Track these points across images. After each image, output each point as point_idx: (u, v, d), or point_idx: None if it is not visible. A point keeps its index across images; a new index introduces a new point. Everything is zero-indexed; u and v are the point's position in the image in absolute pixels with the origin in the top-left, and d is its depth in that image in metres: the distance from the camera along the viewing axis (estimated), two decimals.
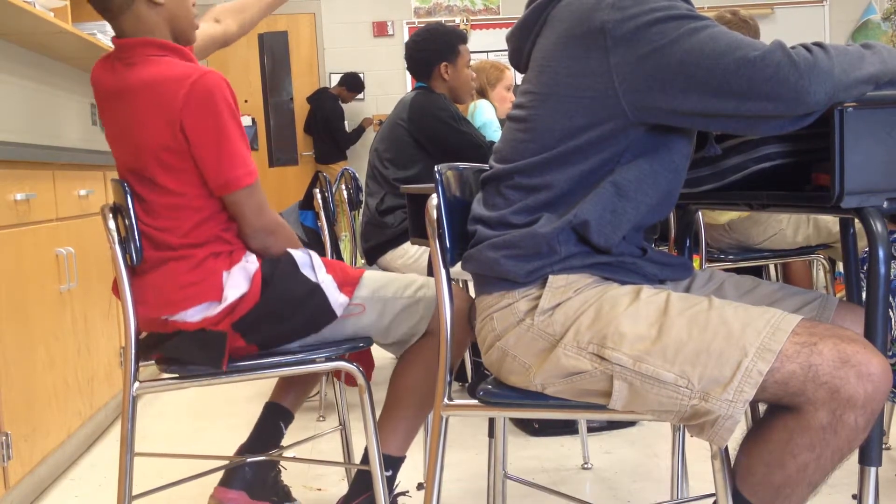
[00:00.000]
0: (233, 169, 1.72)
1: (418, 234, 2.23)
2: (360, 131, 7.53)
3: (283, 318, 1.78)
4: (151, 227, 1.76)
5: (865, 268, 1.32)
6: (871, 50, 1.28)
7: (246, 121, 7.78)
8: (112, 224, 1.75)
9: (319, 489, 2.50)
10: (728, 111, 1.26)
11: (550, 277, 1.38)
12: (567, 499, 2.15)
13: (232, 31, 2.21)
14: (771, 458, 1.26)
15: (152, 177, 1.74)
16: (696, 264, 2.66)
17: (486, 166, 1.56)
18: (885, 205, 1.29)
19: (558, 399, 1.38)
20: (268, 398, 2.19)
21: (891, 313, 1.93)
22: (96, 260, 3.08)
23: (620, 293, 1.36)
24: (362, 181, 3.78)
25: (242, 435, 2.16)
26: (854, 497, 1.96)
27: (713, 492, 1.36)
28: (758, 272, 3.47)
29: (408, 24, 7.73)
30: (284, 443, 2.15)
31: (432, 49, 3.23)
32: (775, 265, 3.51)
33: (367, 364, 1.99)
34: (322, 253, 3.09)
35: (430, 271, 2.50)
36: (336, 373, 2.08)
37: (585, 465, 2.58)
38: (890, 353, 1.32)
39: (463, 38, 3.29)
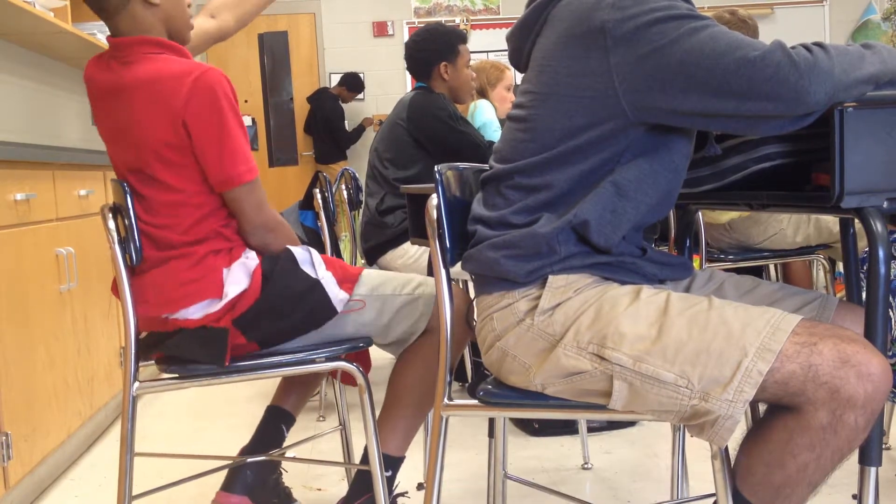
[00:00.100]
0: (234, 165, 1.73)
1: (418, 234, 2.23)
2: (360, 131, 7.53)
3: (284, 315, 1.78)
4: (151, 226, 1.76)
5: (865, 268, 1.32)
6: (871, 50, 1.28)
7: (246, 121, 7.78)
8: (112, 224, 1.75)
9: (319, 489, 2.50)
10: (728, 111, 1.26)
11: (550, 277, 1.38)
12: (567, 499, 2.15)
13: (229, 27, 2.21)
14: (771, 458, 1.26)
15: (152, 173, 1.74)
16: (696, 264, 2.66)
17: (485, 166, 1.56)
18: (885, 205, 1.29)
19: (558, 399, 1.38)
20: (267, 398, 2.19)
21: (891, 313, 1.93)
22: (96, 260, 3.08)
23: (620, 293, 1.36)
24: (362, 181, 3.78)
25: (243, 435, 2.16)
26: (854, 497, 1.96)
27: (713, 492, 1.36)
28: (758, 272, 3.47)
29: (408, 24, 7.73)
30: (285, 444, 2.15)
31: (432, 49, 3.23)
32: (775, 265, 3.51)
33: (364, 364, 1.99)
34: (322, 253, 3.10)
35: (430, 271, 2.50)
36: (333, 372, 2.08)
37: (585, 465, 2.58)
38: (890, 353, 1.32)
39: (463, 38, 3.29)
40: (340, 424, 2.30)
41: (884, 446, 2.54)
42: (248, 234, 1.81)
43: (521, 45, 1.52)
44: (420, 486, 2.38)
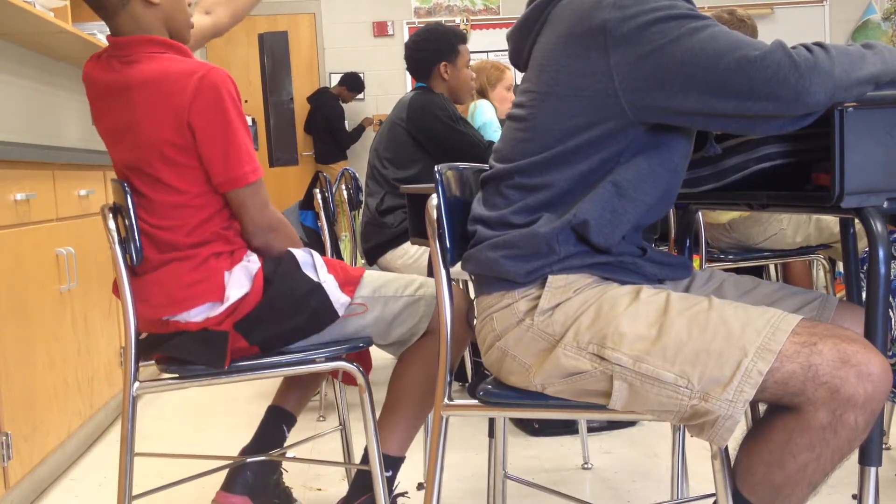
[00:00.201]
0: (239, 166, 1.73)
1: (418, 234, 2.23)
2: (359, 131, 7.53)
3: (285, 318, 1.78)
4: (153, 227, 1.75)
5: (865, 268, 1.32)
6: (871, 50, 1.28)
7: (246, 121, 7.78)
8: (112, 224, 1.74)
9: (319, 489, 2.50)
10: (728, 111, 1.26)
11: (550, 277, 1.38)
12: (567, 499, 2.15)
13: (224, 23, 2.20)
14: (771, 458, 1.26)
15: (155, 174, 1.73)
16: (696, 264, 2.66)
17: (485, 166, 1.56)
18: (885, 205, 1.29)
19: (558, 399, 1.38)
20: (268, 398, 2.19)
21: (891, 313, 1.93)
22: (96, 260, 3.08)
23: (620, 293, 1.36)
24: (362, 181, 3.78)
25: (243, 435, 2.16)
26: (854, 497, 1.96)
27: (713, 492, 1.36)
28: (758, 272, 3.47)
29: (408, 24, 7.73)
30: (285, 444, 2.15)
31: (432, 49, 3.23)
32: (775, 265, 3.51)
33: (365, 364, 1.98)
34: (322, 252, 3.10)
35: (431, 271, 2.50)
36: (334, 372, 2.08)
37: (585, 465, 2.58)
38: (890, 353, 1.32)
39: (462, 38, 3.29)
40: (340, 424, 2.30)
41: (884, 446, 2.54)
42: (251, 235, 1.81)
43: (522, 44, 1.52)
44: (420, 486, 2.38)
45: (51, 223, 2.69)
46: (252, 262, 1.79)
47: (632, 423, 2.91)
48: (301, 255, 1.83)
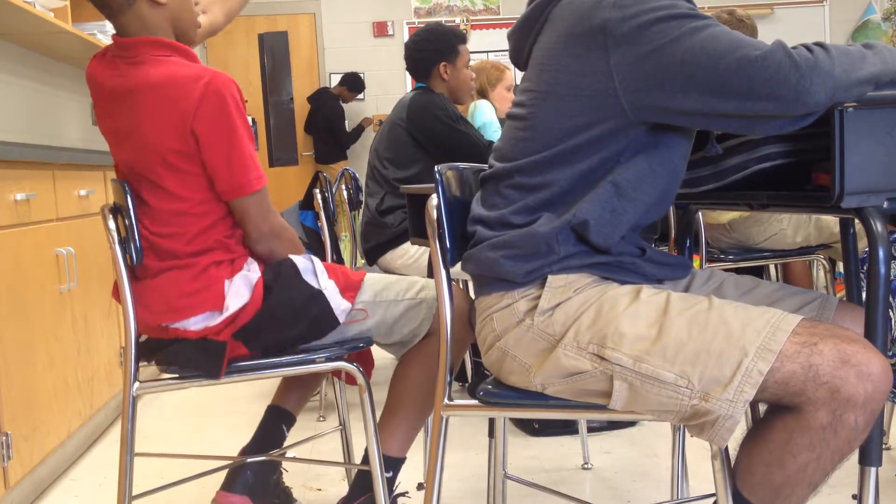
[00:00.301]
0: (244, 174, 1.72)
1: (418, 234, 2.23)
2: (359, 131, 7.53)
3: (286, 326, 1.77)
4: (154, 235, 1.74)
5: (865, 268, 1.32)
6: (872, 50, 1.28)
7: None
8: (112, 224, 1.74)
9: (319, 489, 2.50)
10: (728, 111, 1.26)
11: (550, 277, 1.38)
12: (567, 499, 2.15)
13: (218, 22, 2.19)
14: (771, 458, 1.26)
15: (156, 180, 1.72)
16: (696, 264, 2.66)
17: (485, 166, 1.56)
18: (886, 205, 1.29)
19: (558, 399, 1.38)
20: (267, 398, 2.19)
21: (891, 313, 1.93)
22: (96, 260, 3.08)
23: (620, 293, 1.36)
24: (362, 181, 3.78)
25: (243, 435, 2.16)
26: (854, 497, 1.96)
27: (713, 492, 1.36)
28: (758, 272, 3.47)
29: (408, 24, 7.73)
30: (285, 444, 2.15)
31: (432, 49, 3.23)
32: (775, 265, 3.51)
33: (367, 363, 1.98)
34: (322, 253, 3.10)
35: (431, 271, 2.50)
36: (336, 372, 2.08)
37: (585, 466, 2.58)
38: (890, 353, 1.32)
39: (462, 38, 3.29)
40: (341, 424, 2.30)
41: (884, 446, 2.54)
42: (254, 242, 1.80)
43: (522, 43, 1.52)
44: (420, 486, 2.38)
45: (51, 223, 2.69)
46: (252, 272, 1.78)
47: (632, 424, 2.91)
48: (301, 261, 1.82)
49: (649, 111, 1.33)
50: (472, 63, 3.47)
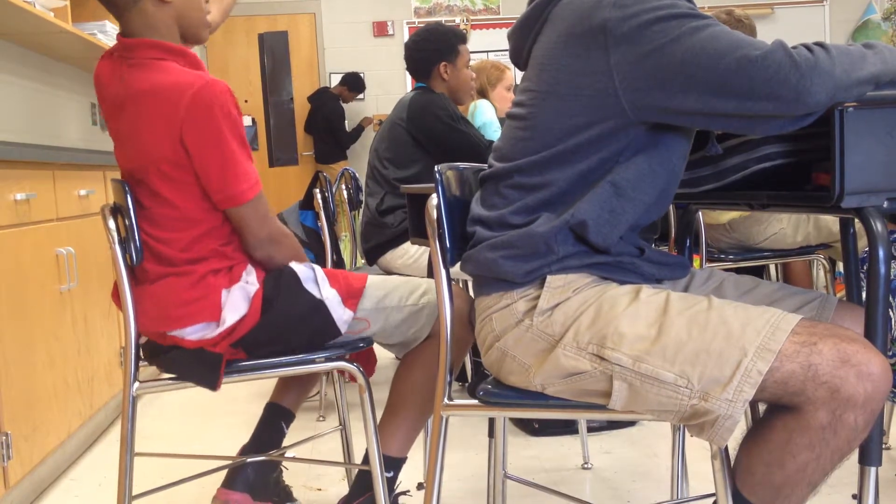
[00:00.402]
0: (236, 184, 1.70)
1: (418, 233, 2.23)
2: (359, 130, 7.53)
3: (286, 336, 1.77)
4: (152, 238, 1.74)
5: (865, 267, 1.32)
6: (872, 50, 1.28)
7: (246, 121, 7.79)
8: (112, 224, 1.74)
9: (319, 489, 2.50)
10: (728, 110, 1.26)
11: (549, 277, 1.38)
12: (567, 499, 2.15)
13: (215, 20, 2.19)
14: (771, 458, 1.26)
15: (152, 185, 1.72)
16: (696, 264, 2.66)
17: (485, 166, 1.56)
18: (886, 204, 1.29)
19: (558, 399, 1.38)
20: (268, 397, 2.19)
21: (891, 313, 1.93)
22: (96, 260, 3.08)
23: (620, 293, 1.36)
24: (362, 181, 3.78)
25: (242, 434, 2.16)
26: (854, 497, 1.96)
27: (713, 492, 1.36)
28: (758, 272, 3.47)
29: (408, 24, 7.73)
30: (285, 442, 2.15)
31: (432, 49, 3.23)
32: (775, 265, 3.51)
33: (369, 361, 1.98)
34: (322, 252, 3.10)
35: (431, 271, 2.50)
36: (340, 371, 2.08)
37: (585, 465, 2.58)
38: (890, 353, 1.32)
39: (462, 38, 3.29)
40: (341, 424, 2.30)
41: (884, 446, 2.54)
42: (252, 248, 1.79)
43: (522, 43, 1.52)
44: (420, 486, 2.38)
45: (51, 223, 2.69)
46: (250, 284, 1.76)
47: (632, 423, 2.91)
48: (303, 270, 1.81)
49: (649, 111, 1.33)
50: (472, 63, 3.47)
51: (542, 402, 1.40)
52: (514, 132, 1.46)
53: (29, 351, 2.45)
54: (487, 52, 7.32)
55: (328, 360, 1.79)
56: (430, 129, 3.11)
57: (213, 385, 1.72)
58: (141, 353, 1.83)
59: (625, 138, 1.36)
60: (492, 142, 3.26)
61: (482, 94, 4.08)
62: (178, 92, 1.66)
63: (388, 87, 7.71)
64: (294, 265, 1.82)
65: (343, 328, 1.79)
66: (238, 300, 1.73)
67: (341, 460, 2.39)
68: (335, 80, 7.62)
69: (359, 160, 7.52)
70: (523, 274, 1.39)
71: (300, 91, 7.82)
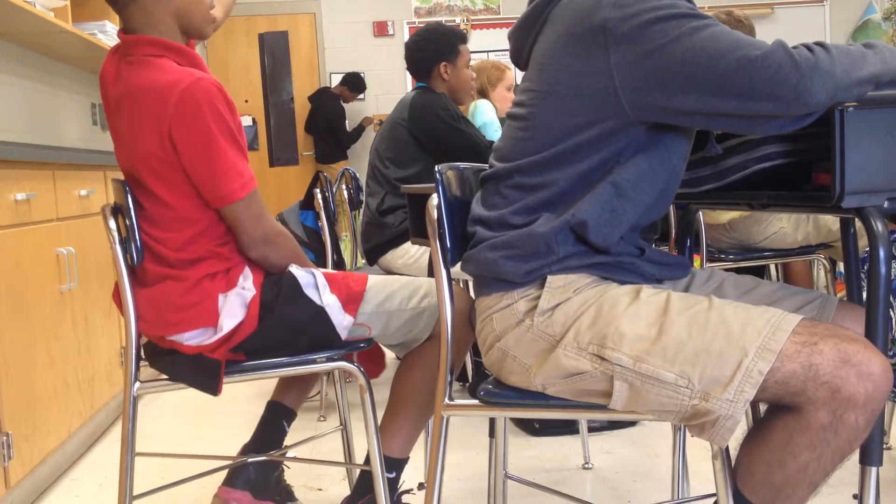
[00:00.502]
0: (227, 183, 1.69)
1: (419, 233, 2.23)
2: (359, 130, 7.53)
3: (286, 343, 1.76)
4: (151, 238, 1.74)
5: (866, 267, 1.32)
6: (872, 50, 1.28)
7: (246, 121, 7.79)
8: (112, 224, 1.74)
9: (320, 489, 2.51)
10: (729, 110, 1.26)
11: (549, 278, 1.38)
12: (568, 499, 2.15)
13: (218, 18, 2.19)
14: (771, 458, 1.26)
15: (147, 184, 1.72)
16: (696, 264, 2.66)
17: (486, 166, 1.56)
18: (886, 204, 1.29)
19: (559, 399, 1.38)
20: (268, 397, 2.19)
21: (891, 313, 1.93)
22: (97, 260, 3.08)
23: (620, 293, 1.36)
24: (363, 181, 3.78)
25: (243, 434, 2.16)
26: (855, 497, 1.96)
27: (714, 492, 1.36)
28: (759, 272, 3.47)
29: (408, 23, 7.73)
30: (286, 442, 2.15)
31: (432, 49, 3.23)
32: (776, 265, 3.51)
33: (375, 362, 1.98)
34: (323, 252, 3.10)
35: (431, 271, 2.50)
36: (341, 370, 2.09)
37: (586, 465, 2.58)
38: (890, 353, 1.32)
39: (463, 38, 3.29)
40: (341, 424, 2.30)
41: (884, 446, 2.53)
42: (246, 248, 1.77)
43: (522, 43, 1.52)
44: (421, 486, 2.38)
45: (51, 223, 2.69)
46: (247, 290, 1.75)
47: (632, 423, 2.91)
48: (303, 275, 1.80)
49: (649, 111, 1.33)
50: (472, 63, 3.47)
51: (542, 403, 1.40)
52: (514, 132, 1.46)
53: (29, 351, 2.45)
54: (488, 52, 7.32)
55: (329, 360, 1.79)
56: (431, 128, 3.11)
57: (213, 391, 1.72)
58: (142, 353, 1.83)
59: (625, 138, 1.36)
60: (492, 142, 3.26)
61: (482, 94, 4.08)
62: (167, 88, 1.65)
63: (389, 87, 7.71)
64: (294, 270, 1.81)
65: (344, 334, 1.79)
66: (235, 306, 1.73)
67: (342, 460, 2.39)
68: (335, 80, 7.62)
69: (359, 160, 7.52)
70: (524, 274, 1.39)
71: (300, 91, 7.82)
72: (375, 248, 3.14)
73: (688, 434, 1.70)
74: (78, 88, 4.45)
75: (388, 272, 3.10)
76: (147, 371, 1.82)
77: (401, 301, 1.84)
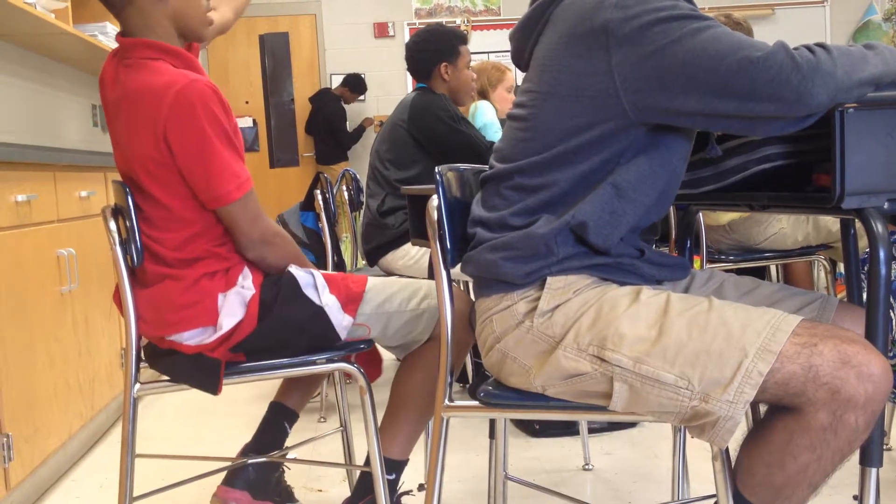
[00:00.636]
0: (222, 184, 1.69)
1: (419, 235, 2.22)
2: (360, 131, 7.54)
3: (286, 343, 1.77)
4: (148, 237, 1.74)
5: (866, 268, 1.32)
6: (873, 51, 1.28)
7: (247, 122, 7.79)
8: (113, 225, 1.74)
9: (320, 490, 2.50)
10: (729, 112, 1.26)
11: (549, 279, 1.38)
12: (568, 500, 2.15)
13: (228, 19, 2.18)
14: (771, 459, 1.26)
15: (144, 186, 1.72)
16: (696, 265, 2.66)
17: (486, 167, 1.56)
18: (886, 205, 1.29)
19: (559, 400, 1.38)
20: (268, 399, 2.19)
21: (891, 314, 1.93)
22: (97, 261, 3.09)
23: (620, 294, 1.36)
24: (363, 182, 3.78)
25: (243, 436, 2.16)
26: (855, 498, 1.95)
27: (714, 493, 1.36)
28: (759, 273, 3.47)
29: (408, 25, 7.74)
30: (287, 443, 2.15)
31: (432, 49, 3.23)
32: (776, 266, 3.51)
33: (373, 364, 1.98)
34: (323, 254, 3.10)
35: (431, 272, 2.50)
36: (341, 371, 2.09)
37: (586, 466, 2.58)
38: (890, 354, 1.32)
39: (463, 39, 3.29)
40: (342, 426, 2.30)
41: (884, 447, 2.54)
42: (243, 249, 1.77)
43: (523, 44, 1.52)
44: (421, 487, 2.38)
45: (52, 224, 2.69)
46: (246, 289, 1.76)
47: (632, 425, 2.91)
48: (302, 275, 1.80)
49: (650, 112, 1.33)
50: (472, 64, 3.47)
51: (542, 404, 1.40)
52: (514, 133, 1.46)
53: (29, 352, 2.45)
54: (488, 52, 7.32)
55: (329, 361, 1.79)
56: (431, 129, 3.11)
57: (213, 390, 1.72)
58: (142, 355, 1.83)
59: (626, 139, 1.36)
60: (492, 143, 3.26)
61: (483, 95, 4.08)
62: (162, 90, 1.65)
63: (389, 88, 7.71)
64: (294, 270, 1.81)
65: (343, 334, 1.79)
66: (234, 305, 1.73)
67: (342, 461, 2.39)
68: (336, 81, 7.63)
69: (360, 161, 7.52)
70: (523, 275, 1.39)
71: (301, 92, 7.82)
72: (376, 250, 3.14)
73: (688, 435, 1.70)
74: (78, 90, 4.45)
75: (389, 273, 3.10)
76: (147, 372, 1.82)
77: (400, 302, 1.84)
